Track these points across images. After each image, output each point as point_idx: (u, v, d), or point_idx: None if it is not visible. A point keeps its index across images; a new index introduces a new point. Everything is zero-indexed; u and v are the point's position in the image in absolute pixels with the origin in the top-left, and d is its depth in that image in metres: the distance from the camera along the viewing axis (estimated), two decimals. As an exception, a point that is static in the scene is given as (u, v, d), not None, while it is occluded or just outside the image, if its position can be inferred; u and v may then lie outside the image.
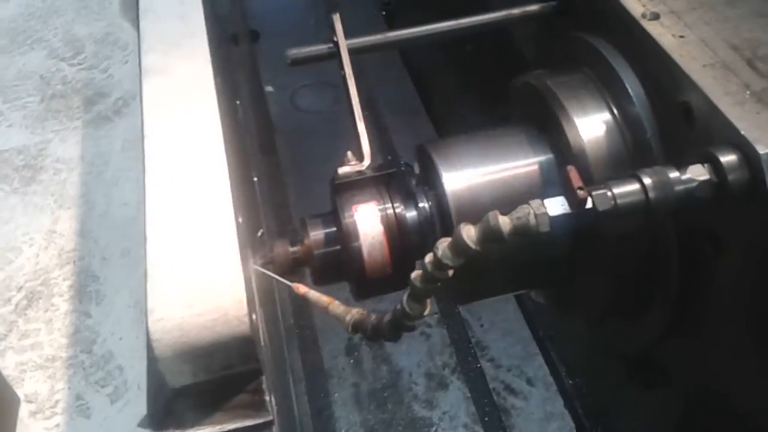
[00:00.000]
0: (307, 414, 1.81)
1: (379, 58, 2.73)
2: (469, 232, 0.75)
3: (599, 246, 0.94)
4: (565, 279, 1.05)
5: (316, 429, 1.79)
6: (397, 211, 0.96)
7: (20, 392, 0.82)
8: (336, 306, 0.91)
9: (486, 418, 1.80)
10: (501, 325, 1.98)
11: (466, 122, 2.03)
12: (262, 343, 0.89)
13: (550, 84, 0.97)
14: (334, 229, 0.98)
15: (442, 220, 0.97)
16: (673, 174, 0.78)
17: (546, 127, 0.99)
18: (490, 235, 0.74)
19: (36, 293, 0.92)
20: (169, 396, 0.82)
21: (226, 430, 0.82)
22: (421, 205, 0.99)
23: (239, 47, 2.88)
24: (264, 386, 0.84)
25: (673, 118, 0.85)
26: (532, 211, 0.75)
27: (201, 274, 0.81)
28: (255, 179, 1.93)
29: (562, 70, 1.00)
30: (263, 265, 0.97)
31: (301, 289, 0.95)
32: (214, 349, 0.78)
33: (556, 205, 0.77)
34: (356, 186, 0.99)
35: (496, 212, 0.74)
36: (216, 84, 1.11)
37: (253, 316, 0.86)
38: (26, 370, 0.83)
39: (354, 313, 0.89)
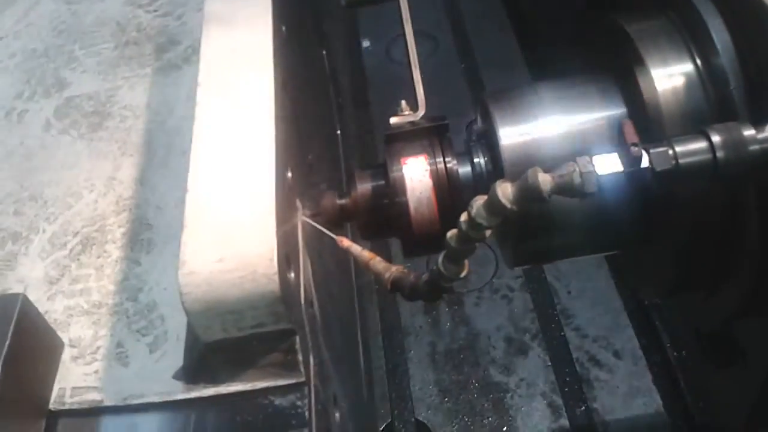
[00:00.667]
0: (382, 368, 1.80)
1: (480, 6, 2.61)
2: (505, 190, 0.68)
3: (667, 209, 0.84)
4: (634, 244, 0.96)
5: (390, 384, 1.77)
6: (449, 165, 0.89)
7: (65, 336, 0.82)
8: (377, 262, 0.87)
9: (566, 389, 1.72)
10: (590, 294, 1.88)
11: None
12: (303, 301, 0.87)
13: (628, 29, 0.86)
14: (383, 182, 0.93)
15: (497, 177, 0.90)
16: (748, 132, 0.68)
17: (621, 78, 0.89)
18: (529, 194, 0.67)
19: (91, 239, 0.93)
20: (202, 350, 0.81)
21: (257, 388, 0.81)
22: (476, 160, 0.92)
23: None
24: (297, 346, 0.81)
25: (762, 73, 0.73)
26: (577, 169, 0.67)
27: (235, 229, 0.78)
28: (338, 132, 1.91)
29: (644, 13, 0.89)
30: (311, 217, 0.94)
31: (345, 242, 0.91)
32: (242, 306, 0.76)
33: (607, 163, 0.69)
34: (407, 137, 0.93)
35: (537, 168, 0.67)
36: (280, 33, 1.08)
37: (291, 275, 0.83)
38: (73, 315, 0.84)
39: (394, 270, 0.85)
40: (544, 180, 0.67)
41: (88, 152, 1.10)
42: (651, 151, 0.69)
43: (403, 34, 1.00)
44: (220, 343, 0.80)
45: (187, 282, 0.75)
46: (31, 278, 0.94)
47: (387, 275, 0.85)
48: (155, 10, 1.30)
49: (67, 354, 0.86)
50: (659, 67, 0.83)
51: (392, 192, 0.91)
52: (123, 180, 1.05)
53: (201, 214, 0.81)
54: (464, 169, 0.92)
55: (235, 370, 0.81)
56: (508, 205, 0.68)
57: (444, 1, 2.64)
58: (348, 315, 1.45)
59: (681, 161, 0.70)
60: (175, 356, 0.84)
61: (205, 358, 0.82)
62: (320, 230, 0.93)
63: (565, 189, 0.67)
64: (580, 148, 0.81)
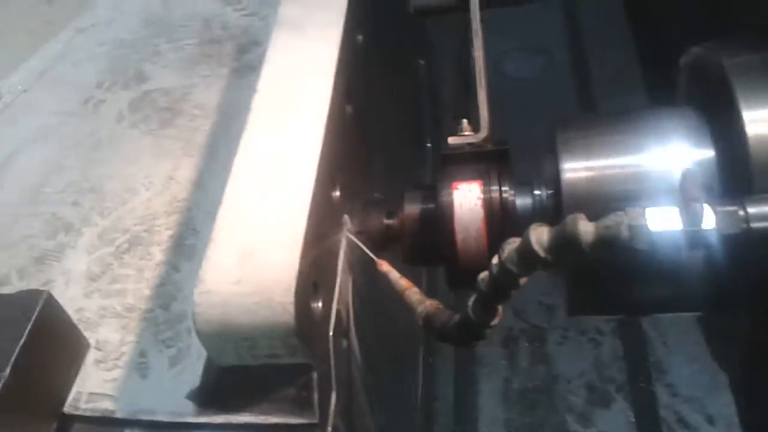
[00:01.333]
0: (449, 399, 1.72)
1: (602, 21, 2.45)
2: (540, 236, 0.59)
3: (738, 276, 0.71)
4: (703, 309, 0.83)
5: (456, 416, 1.68)
6: (505, 195, 0.80)
7: (93, 338, 0.80)
8: (413, 293, 0.80)
9: (647, 450, 1.57)
10: (689, 349, 1.71)
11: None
12: (331, 333, 0.80)
13: (725, 61, 0.74)
14: (432, 205, 0.85)
15: (557, 214, 0.80)
16: None
17: (711, 116, 0.76)
18: (566, 244, 0.57)
19: (138, 239, 0.91)
20: (217, 373, 0.76)
21: (267, 422, 0.75)
22: (536, 193, 0.82)
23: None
24: (314, 383, 0.75)
25: None
26: (626, 221, 0.56)
27: (259, 251, 0.73)
28: (428, 145, 1.83)
29: (747, 41, 0.77)
30: (356, 234, 0.87)
31: (384, 266, 0.84)
32: (256, 333, 0.71)
33: (663, 218, 0.58)
34: (464, 160, 0.85)
35: (579, 216, 0.57)
36: (352, 41, 1.02)
37: (317, 304, 0.76)
38: (105, 316, 0.82)
39: (428, 305, 0.77)
40: (586, 230, 0.57)
41: (153, 149, 1.08)
42: (718, 209, 0.58)
43: (470, 46, 0.91)
44: (235, 369, 0.75)
45: (202, 301, 0.71)
46: (74, 272, 0.93)
47: (420, 309, 0.77)
48: (242, 9, 1.28)
49: (91, 356, 0.84)
50: (754, 109, 0.71)
51: (440, 217, 0.83)
52: (180, 180, 1.02)
53: (230, 230, 0.76)
54: (523, 201, 0.82)
55: (248, 400, 0.76)
56: (542, 254, 0.58)
57: (563, 15, 2.50)
58: (407, 339, 1.38)
59: (753, 225, 0.58)
60: (193, 373, 0.80)
61: (220, 382, 0.77)
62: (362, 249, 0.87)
63: (609, 243, 0.56)
64: (653, 193, 0.70)
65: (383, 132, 1.25)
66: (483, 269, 0.79)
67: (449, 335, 0.74)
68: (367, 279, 0.93)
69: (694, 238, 0.57)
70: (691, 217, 0.57)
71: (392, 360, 1.17)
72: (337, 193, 0.87)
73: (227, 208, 0.78)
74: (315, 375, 0.74)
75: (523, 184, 0.84)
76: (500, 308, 0.69)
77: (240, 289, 0.70)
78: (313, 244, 0.76)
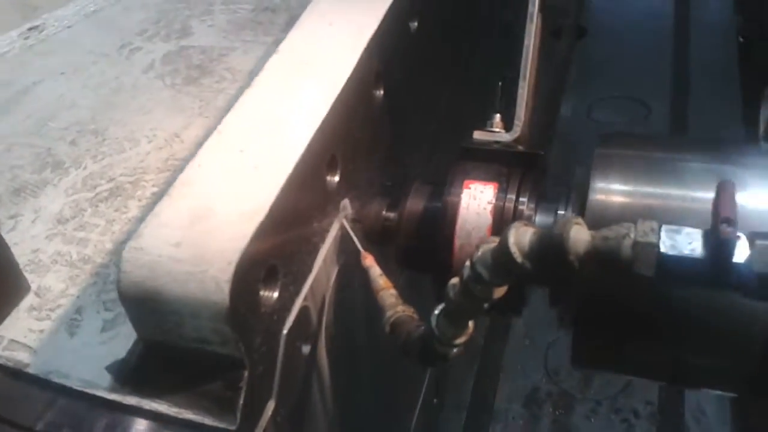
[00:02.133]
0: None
1: (710, 79, 2.26)
2: (521, 237, 0.46)
3: None
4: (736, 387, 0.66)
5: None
6: (521, 207, 0.67)
7: (37, 283, 0.71)
8: (388, 295, 0.67)
9: None
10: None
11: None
12: (285, 331, 0.68)
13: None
14: (438, 204, 0.73)
15: None
16: None
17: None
18: (551, 250, 0.44)
19: (120, 189, 0.83)
20: (143, 349, 0.66)
21: (181, 416, 0.64)
22: (561, 213, 0.68)
23: (560, 41, 2.62)
24: (242, 384, 0.63)
25: None
26: (631, 236, 0.43)
27: (216, 217, 0.62)
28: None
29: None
30: (350, 222, 0.76)
31: (368, 260, 0.72)
32: (182, 309, 0.60)
33: (680, 240, 0.43)
34: (485, 157, 0.72)
35: (574, 218, 0.44)
36: (399, 26, 0.92)
37: (268, 293, 0.65)
38: (57, 262, 0.73)
39: (400, 310, 0.64)
40: (578, 237, 0.43)
41: (170, 103, 1.01)
42: (757, 242, 0.43)
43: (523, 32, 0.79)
44: (161, 347, 0.64)
45: (130, 258, 0.61)
46: (45, 211, 0.86)
47: (389, 313, 0.65)
48: (308, -17, 1.19)
49: (27, 302, 0.75)
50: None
51: (441, 217, 0.70)
52: (185, 140, 0.94)
53: (191, 187, 0.66)
54: (543, 219, 0.69)
55: (167, 386, 0.65)
56: (519, 259, 0.45)
57: (669, 67, 2.32)
58: (406, 368, 1.23)
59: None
60: (124, 344, 0.70)
61: (143, 359, 0.67)
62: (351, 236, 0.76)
63: (605, 259, 0.43)
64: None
65: (432, 119, 1.13)
66: None
67: (410, 349, 0.61)
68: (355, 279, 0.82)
69: (719, 271, 0.43)
70: (718, 244, 0.43)
71: (378, 387, 1.04)
72: (335, 178, 0.76)
73: (198, 164, 0.68)
74: (245, 374, 0.62)
75: (548, 200, 0.71)
76: (471, 325, 0.55)
77: (177, 252, 0.60)
78: (283, 223, 0.65)
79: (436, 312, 0.57)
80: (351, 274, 0.79)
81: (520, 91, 0.75)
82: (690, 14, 2.44)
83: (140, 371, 0.66)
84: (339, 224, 0.77)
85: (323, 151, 0.73)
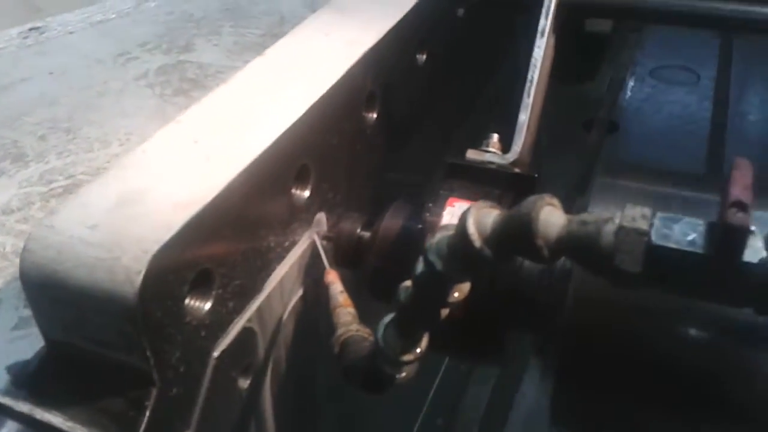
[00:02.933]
0: None
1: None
2: (482, 217, 0.36)
3: None
4: None
5: None
6: None
7: None
8: (345, 313, 0.57)
9: None
10: None
11: None
12: (216, 353, 0.58)
13: None
14: (418, 225, 0.63)
15: (569, 283, 0.55)
16: None
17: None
18: (516, 234, 0.34)
19: (76, 187, 0.75)
20: (44, 349, 0.56)
21: (74, 433, 0.53)
22: None
23: (590, 135, 2.56)
24: (149, 404, 0.53)
25: None
26: (615, 221, 0.33)
27: (145, 203, 0.54)
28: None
29: None
30: (322, 238, 0.67)
31: (331, 276, 0.63)
32: (85, 301, 0.50)
33: (677, 230, 0.34)
34: (475, 177, 0.63)
35: (548, 198, 0.35)
36: (409, 38, 0.85)
37: (198, 303, 0.56)
38: None
39: (354, 329, 0.54)
40: (549, 220, 0.34)
41: (153, 110, 0.95)
42: None
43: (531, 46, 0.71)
44: (64, 350, 0.55)
45: (38, 237, 0.52)
46: (-7, 201, 0.78)
47: (340, 332, 0.55)
48: (319, 14, 1.15)
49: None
50: None
51: (418, 239, 0.60)
52: (159, 147, 0.87)
53: (127, 170, 0.57)
54: None
55: (67, 397, 0.55)
56: (477, 242, 0.36)
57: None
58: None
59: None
60: (34, 346, 0.60)
61: (46, 362, 0.57)
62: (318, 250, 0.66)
63: (579, 247, 0.33)
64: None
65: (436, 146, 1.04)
66: (452, 323, 0.56)
67: (353, 371, 0.50)
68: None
69: (723, 272, 0.33)
70: (726, 235, 0.33)
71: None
72: (305, 192, 0.67)
73: (143, 149, 0.60)
74: (153, 392, 0.52)
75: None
76: (424, 340, 0.45)
77: (90, 235, 0.51)
78: (226, 224, 0.57)
79: (385, 321, 0.47)
80: (318, 300, 0.69)
81: (522, 109, 0.67)
82: (727, 121, 2.37)
83: (40, 376, 0.57)
84: (309, 241, 0.68)
85: (290, 157, 0.64)
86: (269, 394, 0.68)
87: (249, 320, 0.61)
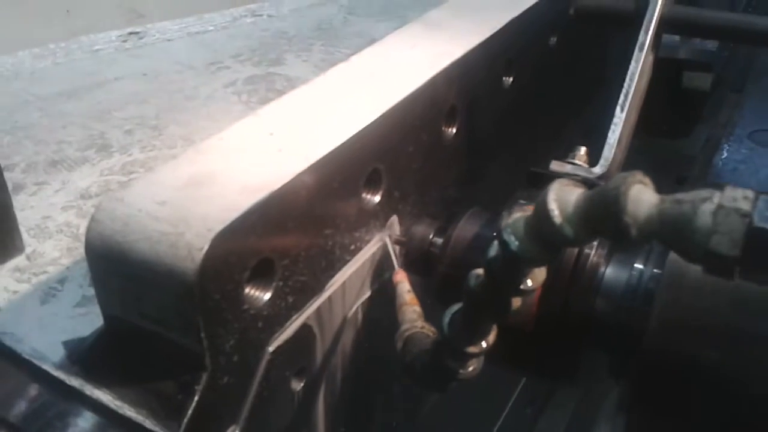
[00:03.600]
0: None
1: None
2: (565, 193, 0.34)
3: None
4: None
5: None
6: (587, 250, 0.54)
7: (33, 247, 0.67)
8: (411, 310, 0.56)
9: None
10: None
11: None
12: (271, 348, 0.56)
13: None
14: (493, 233, 0.61)
15: (650, 304, 0.51)
16: None
17: None
18: (600, 210, 0.32)
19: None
20: (102, 326, 0.56)
21: (120, 412, 0.52)
22: (637, 266, 0.55)
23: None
24: (198, 388, 0.51)
25: None
26: (714, 200, 0.30)
27: (215, 185, 0.54)
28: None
29: None
30: (395, 242, 0.66)
31: (399, 276, 0.61)
32: (147, 275, 0.50)
33: None
34: None
35: (638, 176, 0.32)
36: (493, 63, 0.83)
37: (257, 292, 0.54)
38: (62, 232, 0.68)
39: (419, 326, 0.52)
40: (639, 197, 0.31)
41: (238, 115, 0.95)
42: None
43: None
44: (121, 327, 0.54)
45: (106, 208, 0.52)
46: (73, 184, 0.81)
47: (405, 327, 0.52)
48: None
49: (15, 262, 0.69)
50: None
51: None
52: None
53: (202, 154, 0.58)
54: (615, 272, 0.55)
55: (119, 376, 0.54)
56: (557, 219, 0.33)
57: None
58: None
59: None
60: (94, 324, 0.60)
61: (102, 339, 0.57)
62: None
63: (672, 228, 0.30)
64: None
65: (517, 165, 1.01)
66: (522, 336, 0.54)
67: (414, 366, 0.48)
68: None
69: None
70: None
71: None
72: (376, 197, 0.66)
73: (220, 137, 0.60)
74: (203, 377, 0.51)
75: (631, 254, 0.57)
76: (491, 333, 0.42)
77: (158, 210, 0.51)
78: (293, 215, 0.56)
79: (452, 310, 0.44)
80: (387, 308, 0.68)
81: (615, 123, 0.64)
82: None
83: (95, 353, 0.56)
84: (379, 244, 0.67)
85: (362, 159, 0.63)
86: (323, 400, 0.65)
87: (308, 319, 0.59)
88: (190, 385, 0.52)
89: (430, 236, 0.66)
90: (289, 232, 0.56)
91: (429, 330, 0.52)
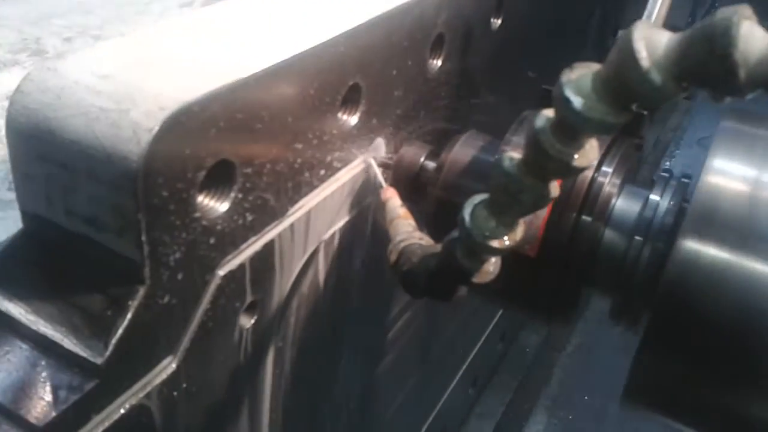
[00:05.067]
0: None
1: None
2: (652, 35, 0.26)
3: None
4: None
5: None
6: (601, 179, 0.47)
7: None
8: (404, 224, 0.48)
9: None
10: None
11: None
12: (222, 272, 0.48)
13: None
14: (493, 157, 0.54)
15: (670, 237, 0.45)
16: None
17: None
18: (705, 48, 0.25)
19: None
20: (21, 231, 0.46)
21: (33, 328, 0.43)
22: (653, 197, 0.48)
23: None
24: (132, 303, 0.42)
25: None
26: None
27: (171, 60, 0.44)
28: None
29: None
30: (380, 164, 0.58)
31: (389, 193, 0.54)
32: (80, 159, 0.41)
33: None
34: None
35: (740, 8, 0.24)
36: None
37: (212, 201, 0.45)
38: None
39: (416, 237, 0.45)
40: (754, 32, 0.25)
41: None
42: None
43: None
44: (42, 228, 0.45)
45: (35, 78, 0.42)
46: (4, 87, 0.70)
47: (399, 239, 0.45)
48: None
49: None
50: None
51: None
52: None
53: (160, 33, 0.48)
54: (625, 203, 0.48)
55: (35, 286, 0.45)
56: (645, 62, 0.27)
57: None
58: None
59: None
60: (8, 232, 0.50)
61: (19, 243, 0.47)
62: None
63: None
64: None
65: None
66: (522, 263, 0.47)
67: (416, 274, 0.41)
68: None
69: None
70: None
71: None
72: (353, 118, 0.58)
73: (184, 20, 0.51)
74: (140, 291, 0.42)
75: (638, 182, 0.51)
76: (519, 228, 0.35)
77: (98, 84, 0.42)
78: (261, 116, 0.47)
79: (474, 200, 0.36)
80: (360, 239, 0.59)
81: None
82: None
83: (9, 260, 0.47)
84: (360, 168, 0.59)
85: (342, 67, 0.55)
86: (273, 345, 0.57)
87: (266, 245, 0.51)
88: (123, 299, 0.43)
89: (422, 159, 0.58)
90: (255, 135, 0.47)
91: (429, 243, 0.45)
